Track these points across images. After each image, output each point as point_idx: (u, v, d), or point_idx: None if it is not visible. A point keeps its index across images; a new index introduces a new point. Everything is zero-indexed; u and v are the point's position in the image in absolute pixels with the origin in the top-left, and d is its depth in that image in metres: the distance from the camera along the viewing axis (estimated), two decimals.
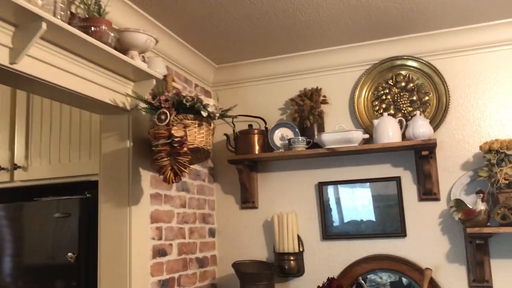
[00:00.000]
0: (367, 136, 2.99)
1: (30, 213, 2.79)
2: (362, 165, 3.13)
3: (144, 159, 2.56)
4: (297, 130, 3.20)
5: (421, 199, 2.98)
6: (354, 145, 2.94)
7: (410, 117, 3.03)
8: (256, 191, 3.33)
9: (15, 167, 2.89)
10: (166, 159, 2.31)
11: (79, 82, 2.15)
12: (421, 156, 2.92)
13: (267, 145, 3.21)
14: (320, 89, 3.21)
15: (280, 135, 3.21)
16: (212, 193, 3.41)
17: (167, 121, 2.33)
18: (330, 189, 3.17)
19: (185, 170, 2.31)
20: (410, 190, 3.02)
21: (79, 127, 2.81)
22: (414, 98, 3.07)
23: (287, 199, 3.26)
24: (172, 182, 2.33)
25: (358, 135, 2.95)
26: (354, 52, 3.19)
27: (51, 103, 2.88)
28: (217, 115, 2.45)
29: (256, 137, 3.18)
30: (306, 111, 3.15)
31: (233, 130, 3.15)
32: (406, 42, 3.07)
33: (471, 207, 2.75)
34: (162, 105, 2.35)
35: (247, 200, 3.30)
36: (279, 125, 3.22)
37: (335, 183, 3.16)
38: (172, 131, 2.30)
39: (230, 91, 3.49)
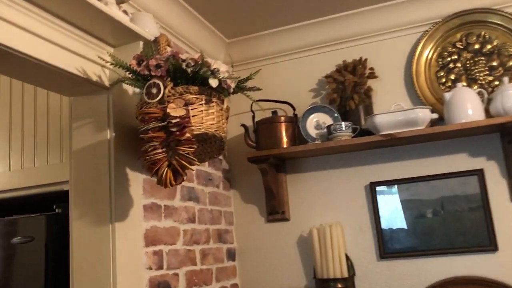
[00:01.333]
0: (436, 116, 2.21)
1: None
2: (428, 156, 2.34)
3: (132, 155, 1.81)
4: (337, 114, 2.43)
5: None
6: (421, 129, 2.15)
7: (491, 89, 2.25)
8: (286, 198, 2.55)
9: None
10: (160, 150, 1.56)
11: (35, 42, 1.44)
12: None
13: (298, 137, 2.44)
14: (366, 59, 2.44)
15: (315, 123, 2.44)
16: (229, 203, 2.63)
17: (160, 95, 1.59)
18: (386, 191, 2.38)
19: (188, 165, 1.55)
20: (497, 187, 2.22)
21: (45, 118, 2.08)
22: (494, 63, 2.28)
23: (328, 207, 2.48)
24: (171, 185, 1.57)
25: (425, 114, 2.16)
26: (407, 8, 2.42)
27: (10, 87, 2.15)
28: (232, 86, 1.69)
29: (283, 127, 2.42)
30: (349, 89, 2.39)
31: (252, 118, 2.41)
32: None
33: None
34: (152, 73, 1.60)
35: (275, 210, 2.52)
36: (312, 109, 2.45)
37: (393, 182, 2.37)
38: (168, 110, 1.56)
39: (245, 72, 2.68)
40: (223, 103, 1.76)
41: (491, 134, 2.24)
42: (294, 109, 2.53)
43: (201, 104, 1.66)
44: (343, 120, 2.35)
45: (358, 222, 2.41)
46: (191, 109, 1.63)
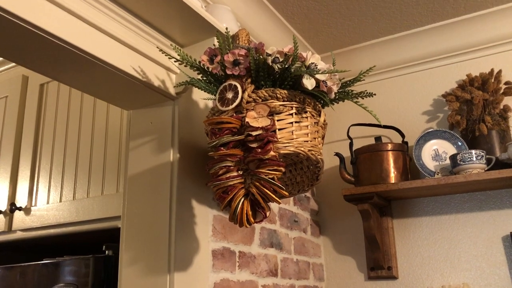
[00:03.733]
0: None
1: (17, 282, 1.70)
2: None
3: (200, 183, 1.41)
4: (461, 142, 1.88)
5: None
6: None
7: None
8: (394, 249, 1.99)
9: (12, 209, 1.86)
10: (235, 173, 1.13)
11: (87, 33, 1.12)
12: None
13: (409, 170, 1.91)
14: (499, 71, 1.89)
15: (434, 152, 1.90)
16: (319, 252, 2.12)
17: (237, 101, 1.19)
18: None
19: (273, 195, 1.09)
20: None
21: (104, 139, 1.75)
22: None
23: (451, 263, 1.88)
24: (249, 223, 1.12)
25: None
26: None
27: (68, 106, 1.87)
28: (335, 90, 1.23)
29: (390, 157, 1.90)
30: (478, 109, 1.84)
31: (350, 146, 1.94)
32: None
33: None
34: (228, 72, 1.21)
35: (379, 265, 1.97)
36: (429, 135, 1.92)
37: None
38: (247, 119, 1.14)
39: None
40: (319, 115, 1.31)
41: None
42: (403, 135, 2.01)
43: (291, 114, 1.22)
44: (470, 149, 1.79)
45: (495, 285, 1.78)
46: (278, 120, 1.20)
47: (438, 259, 1.90)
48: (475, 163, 1.72)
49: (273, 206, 1.82)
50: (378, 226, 1.97)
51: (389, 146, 1.92)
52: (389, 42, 2.13)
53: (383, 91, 2.18)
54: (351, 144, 2.00)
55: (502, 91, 1.86)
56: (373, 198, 1.85)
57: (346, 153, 2.03)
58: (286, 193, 1.13)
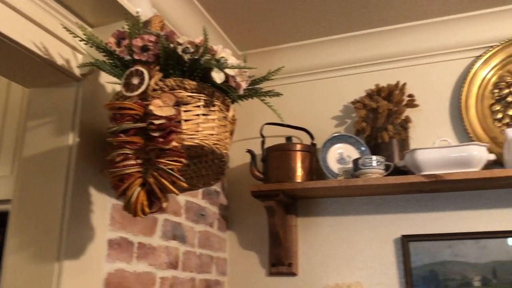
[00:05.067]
0: (493, 157, 1.75)
1: None
2: (479, 208, 1.87)
3: (99, 170, 1.35)
4: (364, 148, 1.98)
5: None
6: (477, 171, 1.69)
7: None
8: (295, 247, 2.05)
9: None
10: (133, 162, 1.10)
11: None
12: None
13: (315, 171, 1.98)
14: (404, 84, 2.01)
15: (339, 155, 1.98)
16: (224, 247, 2.13)
17: (142, 87, 1.15)
18: (423, 248, 1.89)
19: (171, 186, 1.08)
20: None
21: (1, 118, 1.63)
22: None
23: (347, 262, 1.97)
24: (143, 213, 1.10)
25: (482, 153, 1.71)
26: (459, 28, 2.02)
27: None
28: (243, 86, 1.24)
29: (298, 157, 1.96)
30: (382, 117, 1.95)
31: (262, 144, 1.97)
32: None
33: None
34: (136, 57, 1.17)
35: (280, 261, 2.02)
36: (336, 139, 2.00)
37: (432, 237, 1.89)
38: (151, 107, 1.11)
39: None
40: (228, 109, 1.32)
41: None
42: (312, 137, 2.08)
43: (199, 106, 1.21)
44: (372, 155, 1.89)
45: (384, 285, 1.90)
46: (184, 111, 1.18)
47: (336, 257, 1.99)
48: (375, 168, 1.82)
49: (180, 198, 1.81)
50: (283, 223, 2.02)
51: (298, 147, 1.97)
52: (307, 47, 2.19)
53: (298, 94, 2.24)
54: (263, 142, 2.03)
55: (405, 102, 1.99)
56: (279, 196, 1.90)
57: (259, 152, 2.05)
58: (186, 185, 1.12)
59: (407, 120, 1.97)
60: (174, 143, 1.10)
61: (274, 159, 1.98)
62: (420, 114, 2.01)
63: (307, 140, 2.10)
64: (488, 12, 1.96)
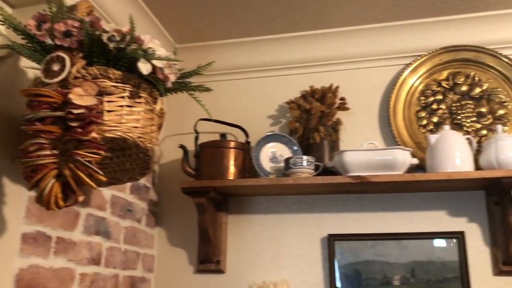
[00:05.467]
0: (416, 161, 1.83)
1: None
2: (401, 210, 1.94)
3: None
4: (297, 147, 2.01)
5: (499, 271, 1.80)
6: (400, 174, 1.76)
7: (478, 138, 1.92)
8: (225, 244, 2.04)
9: None
10: (48, 152, 1.05)
11: None
12: (500, 200, 1.80)
13: (248, 169, 1.98)
14: (337, 87, 2.06)
15: (271, 154, 2.00)
16: (152, 244, 2.08)
17: (63, 74, 1.10)
18: (347, 247, 1.94)
19: (87, 179, 1.04)
20: (479, 255, 1.84)
21: None
22: (483, 109, 1.97)
23: (275, 260, 1.99)
24: (57, 207, 1.05)
25: (405, 157, 1.78)
26: (391, 36, 2.09)
27: None
28: (172, 79, 1.22)
29: (232, 154, 1.95)
30: (315, 119, 1.98)
31: (195, 139, 1.95)
32: (472, 23, 2.02)
33: None
34: (58, 42, 1.12)
35: (209, 259, 2.00)
36: (269, 138, 2.01)
37: (356, 237, 1.94)
38: (71, 95, 1.07)
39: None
40: (155, 102, 1.28)
41: (475, 192, 1.88)
42: (247, 135, 2.08)
43: (123, 97, 1.18)
44: (304, 155, 1.92)
45: (310, 283, 1.93)
46: (107, 101, 1.14)
47: (264, 256, 2.00)
48: (305, 168, 1.85)
49: (106, 193, 1.75)
50: (213, 221, 2.00)
51: (232, 144, 1.96)
52: (245, 44, 2.19)
53: (234, 91, 2.23)
54: (196, 138, 2.01)
55: (337, 105, 2.03)
56: (209, 193, 1.88)
57: (193, 148, 2.02)
58: (104, 179, 1.08)
59: (338, 122, 2.02)
60: (93, 134, 1.05)
61: (207, 155, 1.96)
62: (351, 117, 2.06)
63: (242, 138, 2.09)
64: (419, 22, 2.05)
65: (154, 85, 1.22)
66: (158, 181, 2.17)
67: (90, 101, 1.08)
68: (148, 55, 1.15)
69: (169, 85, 1.21)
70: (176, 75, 1.24)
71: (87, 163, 1.03)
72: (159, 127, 1.38)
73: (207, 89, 1.30)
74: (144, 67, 1.15)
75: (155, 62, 1.16)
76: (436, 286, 1.83)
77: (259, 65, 2.22)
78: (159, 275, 2.07)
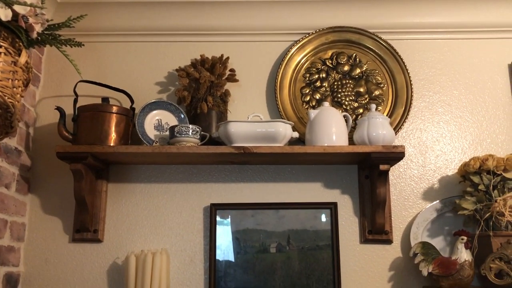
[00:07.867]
0: (296, 135, 1.90)
1: None
2: (281, 181, 2.02)
3: None
4: (184, 116, 1.99)
5: (365, 240, 1.95)
6: (280, 146, 1.82)
7: (354, 116, 2.05)
8: (103, 213, 1.97)
9: None
10: None
11: None
12: (370, 174, 1.95)
13: (131, 136, 1.92)
14: (227, 58, 2.05)
15: (157, 122, 1.95)
16: (23, 211, 1.95)
17: None
18: (228, 216, 1.97)
19: None
20: (349, 225, 1.98)
21: None
22: (361, 89, 2.09)
23: (155, 230, 1.97)
24: None
25: (286, 130, 1.84)
26: (281, 11, 2.13)
27: None
28: (37, 30, 1.12)
29: (113, 119, 1.87)
30: (203, 88, 1.96)
31: (74, 102, 1.85)
32: (358, 6, 2.13)
33: (446, 255, 1.82)
34: None
35: (86, 228, 1.92)
36: (154, 105, 1.97)
37: (237, 206, 1.98)
38: None
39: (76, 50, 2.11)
40: (19, 54, 1.18)
41: (350, 166, 2.01)
42: (132, 101, 2.01)
43: None
44: (191, 124, 1.90)
45: (189, 252, 1.95)
46: None
47: (145, 225, 1.97)
48: (190, 137, 1.83)
49: None
50: (91, 188, 1.92)
51: (114, 109, 1.88)
52: (135, 5, 2.10)
53: (121, 54, 2.14)
54: (75, 101, 1.89)
55: (226, 76, 2.03)
56: (87, 159, 1.79)
57: (72, 111, 1.91)
58: None
59: (226, 93, 2.02)
60: None
61: (86, 119, 1.86)
62: (240, 89, 2.08)
63: (127, 104, 2.02)
64: (310, 0, 2.11)
65: (17, 35, 1.12)
66: (32, 145, 2.02)
67: None
68: (10, 0, 1.04)
69: (34, 36, 1.12)
70: (43, 26, 1.14)
71: None
72: (26, 83, 1.28)
73: (79, 44, 1.22)
74: (2, 12, 1.04)
75: (16, 8, 1.05)
76: (309, 253, 1.94)
77: (149, 28, 2.14)
78: (29, 244, 1.94)
